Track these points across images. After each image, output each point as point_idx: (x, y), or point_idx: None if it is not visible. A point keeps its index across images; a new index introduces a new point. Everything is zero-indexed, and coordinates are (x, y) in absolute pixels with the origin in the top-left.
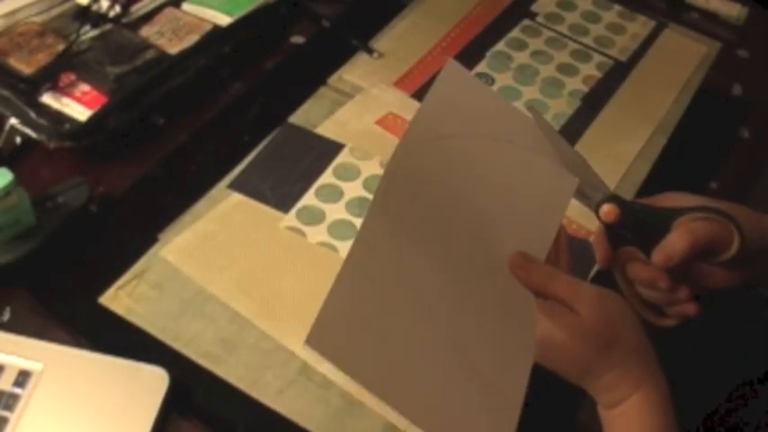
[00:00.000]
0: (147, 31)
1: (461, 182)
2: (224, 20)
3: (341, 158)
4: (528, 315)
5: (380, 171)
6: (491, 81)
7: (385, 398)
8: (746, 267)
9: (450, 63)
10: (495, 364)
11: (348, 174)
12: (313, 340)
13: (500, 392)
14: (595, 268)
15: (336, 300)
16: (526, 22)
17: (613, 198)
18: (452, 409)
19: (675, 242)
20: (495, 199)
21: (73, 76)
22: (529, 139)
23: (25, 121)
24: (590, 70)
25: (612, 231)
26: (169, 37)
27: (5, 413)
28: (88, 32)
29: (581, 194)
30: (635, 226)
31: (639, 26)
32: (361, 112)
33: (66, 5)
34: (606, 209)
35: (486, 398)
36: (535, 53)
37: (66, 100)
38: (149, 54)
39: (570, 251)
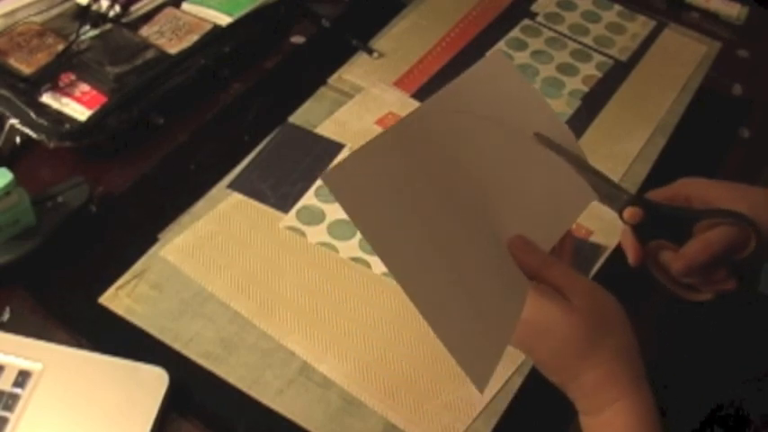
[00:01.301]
0: (146, 31)
1: (479, 155)
2: (224, 20)
3: (341, 158)
4: (519, 290)
5: None
6: None
7: (382, 255)
8: (763, 250)
9: (496, 53)
10: (490, 301)
11: None
12: (329, 177)
13: (492, 329)
14: (595, 268)
15: (368, 153)
16: (526, 22)
17: (638, 200)
18: (449, 301)
19: (694, 253)
20: (508, 184)
21: (73, 76)
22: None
23: (25, 121)
24: (590, 70)
25: (639, 229)
26: (169, 37)
27: (5, 413)
28: (88, 32)
29: (604, 197)
30: (660, 226)
31: (639, 26)
32: (361, 112)
33: (66, 5)
34: (631, 211)
35: (480, 327)
36: (535, 53)
37: (65, 100)
38: (149, 54)
39: (575, 255)
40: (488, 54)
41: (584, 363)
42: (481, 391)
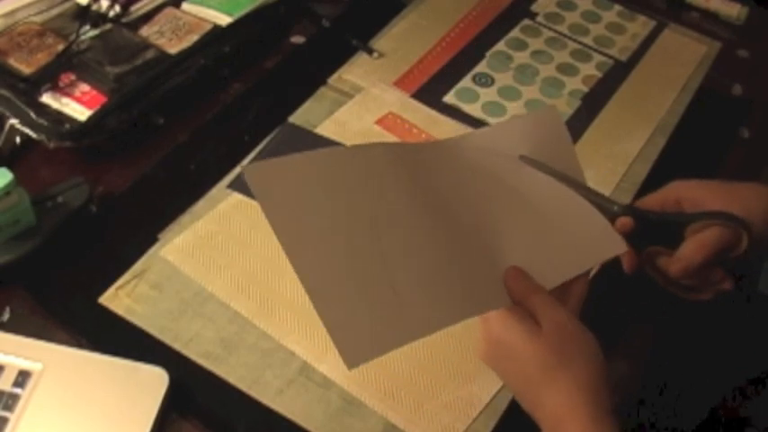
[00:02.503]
0: (146, 31)
1: (494, 191)
2: (224, 20)
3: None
4: (491, 294)
5: None
6: (491, 81)
7: (288, 253)
8: (759, 248)
9: (551, 108)
10: (417, 291)
11: None
12: (250, 171)
13: (409, 312)
14: (594, 270)
15: (302, 160)
16: (526, 22)
17: (629, 209)
18: (343, 290)
19: (690, 254)
20: (521, 220)
21: (73, 76)
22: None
23: (25, 121)
24: (590, 70)
25: (632, 237)
26: (169, 37)
27: (5, 413)
28: (88, 32)
29: (597, 207)
30: (653, 232)
31: (639, 26)
32: (361, 112)
33: (66, 5)
34: (622, 221)
35: (390, 308)
36: (535, 53)
37: (65, 100)
38: (149, 54)
39: (581, 301)
40: (544, 108)
41: (544, 389)
42: (349, 367)
